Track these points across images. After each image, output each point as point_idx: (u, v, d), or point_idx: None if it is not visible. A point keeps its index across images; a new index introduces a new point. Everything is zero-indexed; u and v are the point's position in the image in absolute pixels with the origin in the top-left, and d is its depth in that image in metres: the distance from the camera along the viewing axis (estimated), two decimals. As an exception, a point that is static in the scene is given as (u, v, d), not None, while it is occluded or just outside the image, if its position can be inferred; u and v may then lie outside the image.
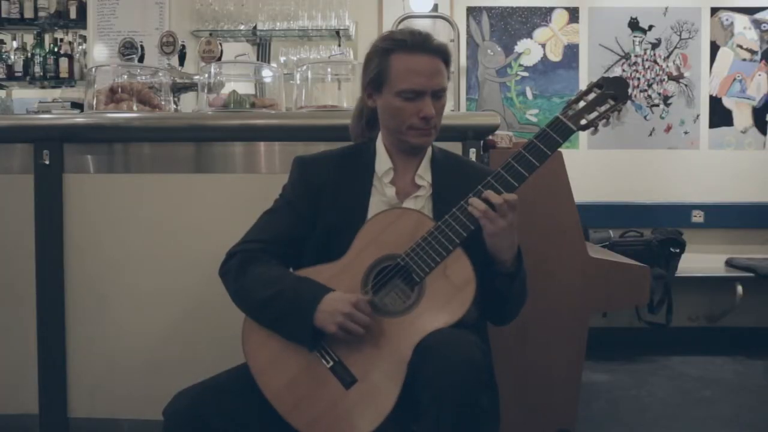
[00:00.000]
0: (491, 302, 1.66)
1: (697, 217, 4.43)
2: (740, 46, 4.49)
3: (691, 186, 4.48)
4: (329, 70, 2.93)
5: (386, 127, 1.73)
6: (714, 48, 4.50)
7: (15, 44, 4.81)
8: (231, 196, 2.35)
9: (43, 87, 4.78)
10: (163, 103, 2.71)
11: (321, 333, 1.54)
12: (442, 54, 1.66)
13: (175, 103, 2.92)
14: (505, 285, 1.62)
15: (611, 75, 4.52)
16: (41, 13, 4.66)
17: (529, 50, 4.55)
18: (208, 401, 1.56)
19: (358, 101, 1.80)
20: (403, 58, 1.64)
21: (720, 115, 4.50)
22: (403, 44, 1.64)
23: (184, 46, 3.13)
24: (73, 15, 4.61)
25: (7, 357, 2.40)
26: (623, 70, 4.51)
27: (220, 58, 3.02)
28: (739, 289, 4.13)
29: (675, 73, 4.51)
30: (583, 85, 4.42)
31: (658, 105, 4.51)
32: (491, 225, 1.54)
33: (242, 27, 4.29)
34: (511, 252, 1.60)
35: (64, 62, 4.64)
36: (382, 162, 1.73)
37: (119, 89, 2.61)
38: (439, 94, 1.66)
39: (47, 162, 2.35)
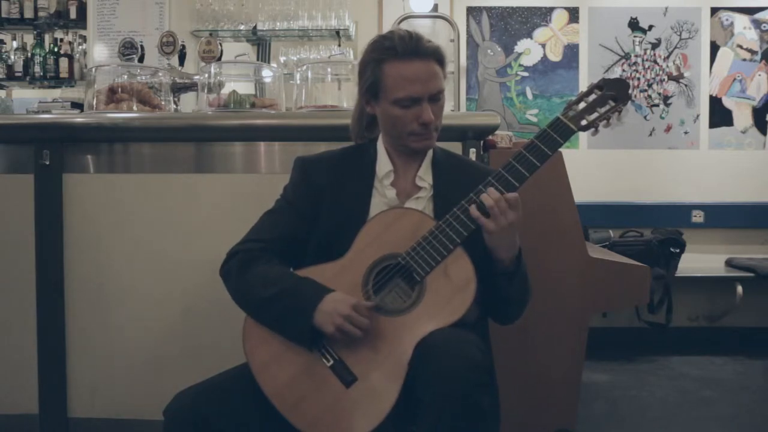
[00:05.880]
0: (493, 301, 1.66)
1: (697, 217, 4.43)
2: (740, 46, 4.49)
3: (691, 186, 4.48)
4: (329, 70, 2.93)
5: (387, 133, 1.73)
6: (714, 48, 4.50)
7: (15, 44, 4.81)
8: (231, 196, 2.35)
9: (43, 87, 4.78)
10: (163, 103, 2.71)
11: (320, 333, 1.54)
12: (435, 55, 1.63)
13: (175, 103, 2.91)
14: (504, 284, 1.62)
15: (611, 75, 4.54)
16: (41, 13, 4.66)
17: (529, 50, 4.55)
18: (208, 401, 1.56)
19: (357, 102, 1.78)
20: (395, 66, 1.62)
21: (720, 115, 4.50)
22: (394, 52, 1.61)
23: (184, 46, 3.13)
24: (73, 15, 4.61)
25: (7, 357, 2.40)
26: (623, 70, 4.51)
27: (220, 58, 3.02)
28: (739, 289, 4.13)
29: (675, 73, 4.50)
30: (583, 86, 4.43)
31: (658, 105, 4.51)
32: (491, 223, 1.54)
33: (242, 27, 4.28)
34: (511, 251, 1.60)
35: (64, 62, 4.64)
36: (383, 164, 1.73)
37: (119, 89, 2.61)
38: (436, 97, 1.64)
39: (47, 162, 2.35)
